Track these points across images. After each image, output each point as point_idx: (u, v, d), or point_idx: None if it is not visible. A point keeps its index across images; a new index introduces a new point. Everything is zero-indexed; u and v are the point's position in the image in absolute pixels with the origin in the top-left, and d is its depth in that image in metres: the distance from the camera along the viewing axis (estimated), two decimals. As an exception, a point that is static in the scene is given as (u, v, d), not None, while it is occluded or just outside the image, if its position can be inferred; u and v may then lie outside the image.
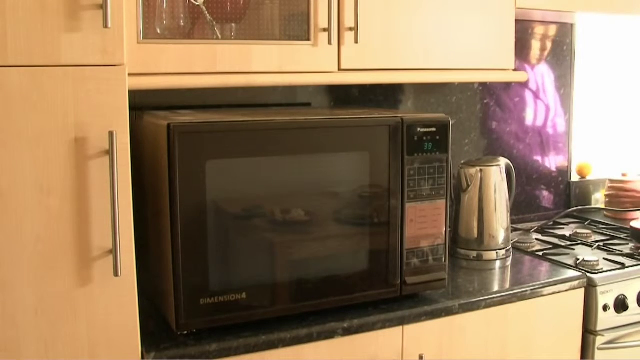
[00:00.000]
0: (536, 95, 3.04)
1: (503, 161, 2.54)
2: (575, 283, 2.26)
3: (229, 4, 2.11)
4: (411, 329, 1.99)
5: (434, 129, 1.98)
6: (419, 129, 1.96)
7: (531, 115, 3.04)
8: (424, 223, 2.00)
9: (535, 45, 3.00)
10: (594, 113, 3.26)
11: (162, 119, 1.77)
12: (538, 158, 3.09)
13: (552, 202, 3.15)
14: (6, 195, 1.53)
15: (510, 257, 2.51)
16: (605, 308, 2.27)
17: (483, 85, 2.88)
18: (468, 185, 2.49)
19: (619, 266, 2.36)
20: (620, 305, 2.30)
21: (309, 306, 1.91)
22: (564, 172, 3.18)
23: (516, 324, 2.16)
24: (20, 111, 1.53)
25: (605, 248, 2.60)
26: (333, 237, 1.95)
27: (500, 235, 2.48)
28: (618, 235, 2.78)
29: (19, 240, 1.56)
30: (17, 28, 1.51)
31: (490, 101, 2.91)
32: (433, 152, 1.98)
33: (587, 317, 2.29)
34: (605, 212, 3.12)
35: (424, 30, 2.22)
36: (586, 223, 3.00)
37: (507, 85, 2.95)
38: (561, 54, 3.08)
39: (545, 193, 3.13)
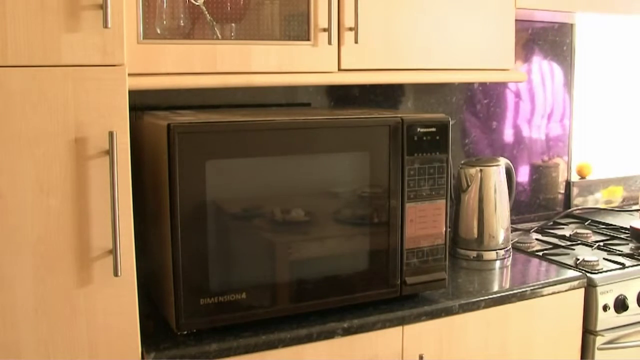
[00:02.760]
0: (536, 95, 3.04)
1: (503, 161, 2.54)
2: (575, 283, 2.26)
3: (229, 4, 2.11)
4: (411, 329, 1.99)
5: (434, 129, 1.98)
6: (419, 129, 1.97)
7: (531, 115, 3.04)
8: (424, 223, 2.00)
9: (535, 45, 3.00)
10: (594, 113, 3.26)
11: (162, 119, 1.77)
12: (538, 158, 3.09)
13: (552, 202, 3.15)
14: (6, 196, 1.54)
15: (510, 257, 2.52)
16: (605, 308, 2.28)
17: (483, 85, 2.88)
18: (468, 185, 2.49)
19: (619, 266, 2.36)
20: (620, 305, 2.30)
21: (308, 306, 1.91)
22: (563, 172, 3.18)
23: (516, 324, 2.17)
24: (20, 111, 1.53)
25: (605, 248, 2.60)
26: (333, 237, 1.96)
27: (500, 235, 2.49)
28: (618, 235, 2.78)
29: (19, 240, 1.56)
30: (17, 28, 1.51)
31: (491, 101, 2.92)
32: (433, 152, 1.99)
33: (587, 317, 2.29)
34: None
35: (424, 30, 2.22)
36: (586, 223, 3.01)
37: (507, 85, 2.95)
38: (561, 54, 3.09)
39: (545, 193, 3.13)
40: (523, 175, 3.06)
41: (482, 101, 2.90)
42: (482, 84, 2.88)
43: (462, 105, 2.85)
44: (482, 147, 2.91)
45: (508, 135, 2.99)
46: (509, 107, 2.98)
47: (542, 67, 3.04)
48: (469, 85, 2.85)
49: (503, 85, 2.94)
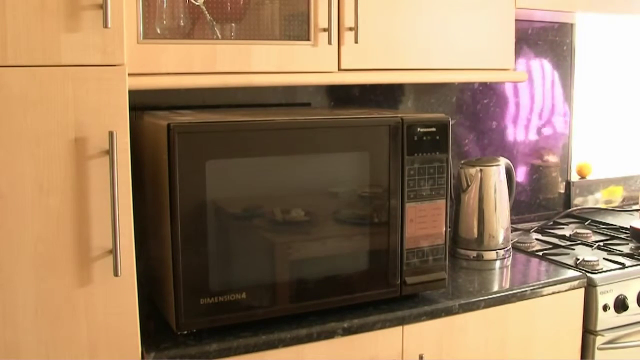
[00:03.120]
0: (536, 95, 3.05)
1: (503, 161, 2.54)
2: (575, 283, 2.26)
3: (228, 3, 2.12)
4: (411, 329, 2.00)
5: (434, 129, 1.99)
6: (419, 129, 1.97)
7: (531, 115, 3.05)
8: (424, 223, 2.01)
9: (535, 45, 3.00)
10: (594, 113, 3.26)
11: (162, 119, 1.78)
12: (538, 158, 3.09)
13: (552, 202, 3.15)
14: (6, 196, 1.54)
15: (510, 257, 2.52)
16: (605, 308, 2.28)
17: (483, 85, 2.88)
18: (468, 185, 2.49)
19: (619, 266, 2.37)
20: (620, 305, 2.30)
21: (308, 306, 1.92)
22: (563, 172, 3.19)
23: (516, 324, 2.17)
24: (20, 111, 1.53)
25: (605, 248, 2.60)
26: (333, 237, 1.96)
27: (500, 235, 2.49)
28: (618, 235, 2.78)
29: (18, 240, 1.56)
30: (16, 28, 1.52)
31: (490, 101, 2.92)
32: (433, 152, 1.99)
33: (587, 317, 2.29)
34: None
35: (424, 30, 2.23)
36: (586, 223, 3.01)
37: (507, 85, 2.95)
38: (561, 54, 3.09)
39: (545, 193, 3.13)
40: (523, 175, 3.06)
41: (482, 101, 2.90)
42: (482, 84, 2.88)
43: (462, 105, 2.85)
44: (482, 146, 2.91)
45: (508, 135, 2.99)
46: (509, 107, 2.98)
47: (542, 66, 3.04)
48: (469, 85, 2.85)
49: (503, 85, 2.94)
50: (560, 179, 3.18)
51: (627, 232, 2.76)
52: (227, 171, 1.79)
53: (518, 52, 2.83)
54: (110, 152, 1.59)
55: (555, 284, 2.23)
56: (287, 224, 1.90)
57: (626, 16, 2.86)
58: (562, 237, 2.77)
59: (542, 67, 3.04)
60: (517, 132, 3.02)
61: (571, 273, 2.30)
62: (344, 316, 1.92)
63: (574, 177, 3.23)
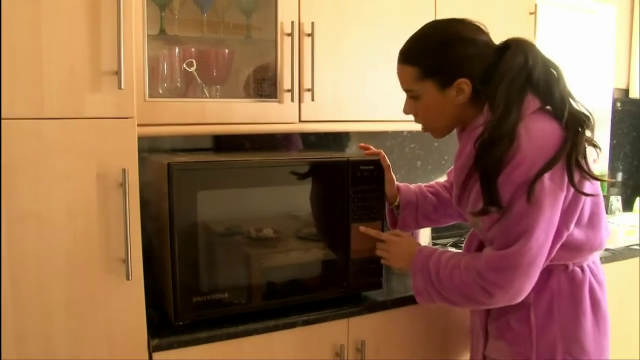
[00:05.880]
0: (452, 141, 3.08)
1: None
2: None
3: (215, 70, 2.15)
4: (355, 320, 2.01)
5: (372, 167, 2.00)
6: (360, 167, 1.98)
7: (446, 155, 3.10)
8: (365, 239, 2.00)
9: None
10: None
11: (164, 159, 1.79)
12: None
13: (464, 221, 3.17)
14: (44, 218, 1.58)
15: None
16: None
17: (410, 132, 2.92)
18: (398, 210, 2.51)
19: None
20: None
21: (276, 303, 1.93)
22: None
23: (436, 317, 2.17)
24: (54, 153, 1.57)
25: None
26: (295, 250, 1.97)
27: (424, 249, 2.50)
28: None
29: (53, 252, 1.60)
30: (51, 89, 1.56)
31: (416, 145, 2.96)
32: (371, 184, 2.00)
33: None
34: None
35: (366, 90, 2.26)
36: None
37: (428, 134, 2.97)
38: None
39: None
40: (442, 202, 3.07)
41: (409, 145, 2.94)
42: (410, 132, 2.90)
43: (394, 148, 2.88)
44: (409, 180, 2.93)
45: (429, 171, 3.01)
46: (429, 149, 3.02)
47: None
48: (399, 133, 2.87)
49: (426, 133, 2.97)
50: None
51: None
52: (214, 199, 1.80)
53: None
54: (123, 185, 1.62)
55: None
56: (260, 240, 1.91)
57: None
58: (472, 250, 2.80)
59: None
60: (436, 168, 3.04)
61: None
62: (303, 311, 1.93)
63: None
